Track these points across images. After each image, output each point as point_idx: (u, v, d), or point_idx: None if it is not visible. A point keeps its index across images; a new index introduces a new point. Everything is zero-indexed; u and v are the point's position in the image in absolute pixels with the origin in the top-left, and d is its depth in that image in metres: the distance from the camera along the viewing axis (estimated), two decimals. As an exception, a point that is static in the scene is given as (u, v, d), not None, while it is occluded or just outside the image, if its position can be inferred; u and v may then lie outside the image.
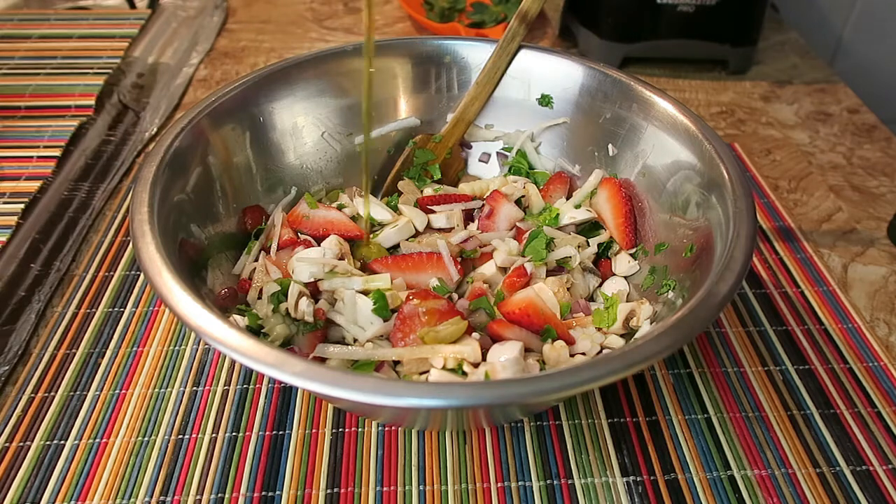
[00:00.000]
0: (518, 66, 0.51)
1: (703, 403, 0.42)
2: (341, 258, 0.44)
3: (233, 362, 0.44)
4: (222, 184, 0.45)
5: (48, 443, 0.40)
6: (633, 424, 0.41)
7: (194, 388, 0.43)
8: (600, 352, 0.41)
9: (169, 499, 0.37)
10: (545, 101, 0.51)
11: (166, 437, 0.40)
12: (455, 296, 0.43)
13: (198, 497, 0.37)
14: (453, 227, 0.48)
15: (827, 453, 0.40)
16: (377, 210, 0.48)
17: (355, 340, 0.40)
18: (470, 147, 0.55)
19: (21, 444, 0.40)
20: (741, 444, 0.40)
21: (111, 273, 0.51)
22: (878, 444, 0.40)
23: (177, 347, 0.45)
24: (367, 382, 0.28)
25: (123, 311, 0.48)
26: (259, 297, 0.42)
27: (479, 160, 0.55)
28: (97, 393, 0.42)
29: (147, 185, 0.37)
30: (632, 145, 0.47)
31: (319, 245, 0.45)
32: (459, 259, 0.44)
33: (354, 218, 0.47)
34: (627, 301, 0.44)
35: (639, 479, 0.38)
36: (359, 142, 0.52)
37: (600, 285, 0.46)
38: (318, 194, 0.51)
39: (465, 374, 0.37)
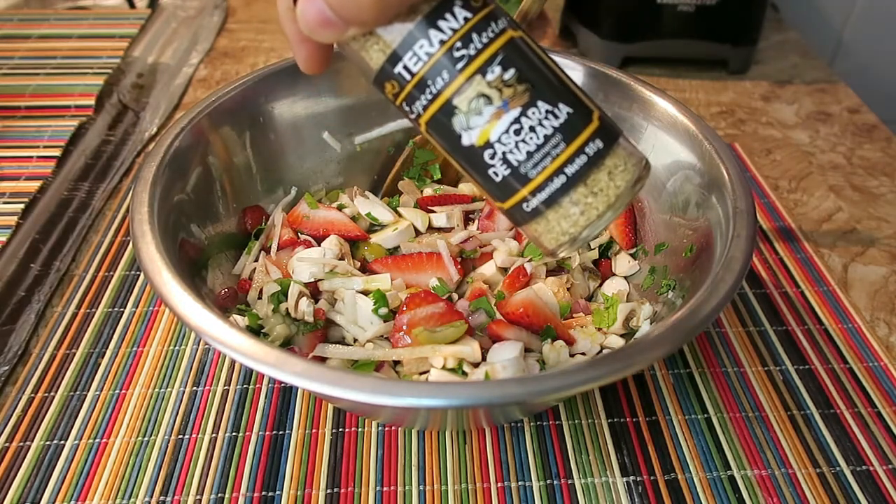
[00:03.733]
0: (518, 66, 0.51)
1: (703, 403, 0.42)
2: (341, 258, 0.44)
3: (233, 362, 0.44)
4: (222, 184, 0.45)
5: (48, 443, 0.40)
6: (633, 424, 0.41)
7: (194, 388, 0.43)
8: (600, 352, 0.41)
9: (169, 499, 0.37)
10: (545, 101, 0.51)
11: (166, 437, 0.40)
12: (455, 296, 0.43)
13: (198, 497, 0.37)
14: (453, 227, 0.48)
15: (827, 453, 0.40)
16: (378, 209, 0.48)
17: (355, 340, 0.41)
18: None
19: (21, 444, 0.40)
20: (741, 444, 0.40)
21: (111, 273, 0.51)
22: (878, 444, 0.40)
23: (177, 347, 0.45)
24: (367, 382, 0.28)
25: (123, 311, 0.48)
26: (259, 297, 0.42)
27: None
28: (97, 393, 0.42)
29: (147, 185, 0.37)
30: (632, 145, 0.47)
31: (319, 245, 0.45)
32: (459, 259, 0.44)
33: (354, 218, 0.47)
34: (627, 301, 0.44)
35: (639, 479, 0.38)
36: (359, 142, 0.52)
37: (600, 285, 0.46)
38: (318, 194, 0.51)
39: (465, 374, 0.37)
